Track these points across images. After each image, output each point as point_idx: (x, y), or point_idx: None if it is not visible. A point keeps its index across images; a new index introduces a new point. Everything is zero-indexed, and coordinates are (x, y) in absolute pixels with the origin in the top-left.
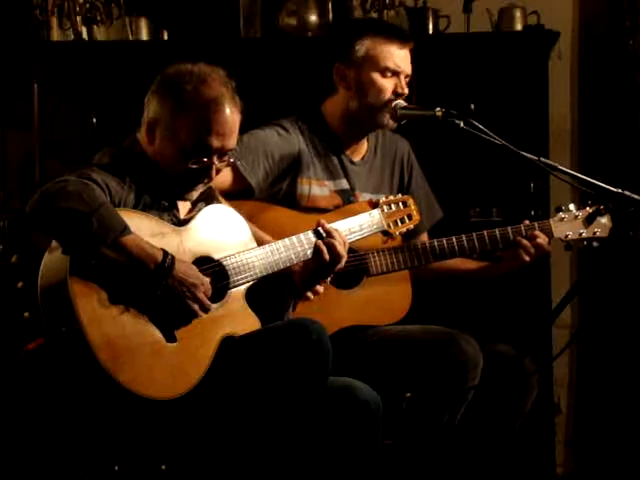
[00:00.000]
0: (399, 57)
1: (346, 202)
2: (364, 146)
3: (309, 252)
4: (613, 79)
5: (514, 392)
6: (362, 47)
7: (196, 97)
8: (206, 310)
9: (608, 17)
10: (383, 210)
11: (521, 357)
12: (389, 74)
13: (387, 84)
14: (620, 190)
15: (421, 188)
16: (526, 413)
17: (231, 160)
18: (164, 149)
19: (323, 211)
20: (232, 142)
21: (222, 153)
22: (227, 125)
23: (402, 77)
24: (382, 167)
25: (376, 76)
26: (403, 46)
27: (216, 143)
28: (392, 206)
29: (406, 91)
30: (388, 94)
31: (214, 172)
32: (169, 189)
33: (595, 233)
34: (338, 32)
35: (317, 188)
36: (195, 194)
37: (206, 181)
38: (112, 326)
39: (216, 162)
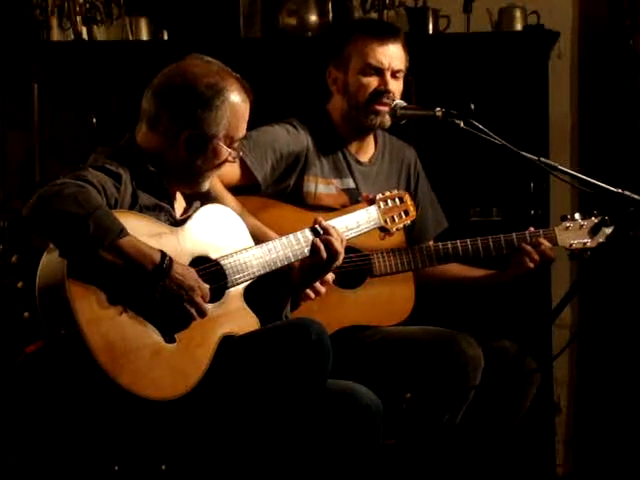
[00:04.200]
0: (380, 53)
1: (353, 201)
2: (371, 147)
3: (306, 250)
4: (613, 79)
5: (514, 390)
6: (348, 49)
7: (219, 91)
8: (203, 314)
9: (608, 17)
10: (380, 206)
11: (522, 354)
12: (372, 72)
13: (369, 82)
14: (620, 190)
15: (427, 197)
16: (525, 411)
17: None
18: (207, 158)
19: (328, 210)
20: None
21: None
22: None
23: (387, 74)
24: (389, 172)
25: (359, 75)
26: (384, 42)
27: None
28: (389, 202)
29: (391, 87)
30: (369, 92)
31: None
32: (177, 184)
33: (600, 243)
34: (331, 37)
35: (324, 186)
36: (209, 182)
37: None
38: (111, 328)
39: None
